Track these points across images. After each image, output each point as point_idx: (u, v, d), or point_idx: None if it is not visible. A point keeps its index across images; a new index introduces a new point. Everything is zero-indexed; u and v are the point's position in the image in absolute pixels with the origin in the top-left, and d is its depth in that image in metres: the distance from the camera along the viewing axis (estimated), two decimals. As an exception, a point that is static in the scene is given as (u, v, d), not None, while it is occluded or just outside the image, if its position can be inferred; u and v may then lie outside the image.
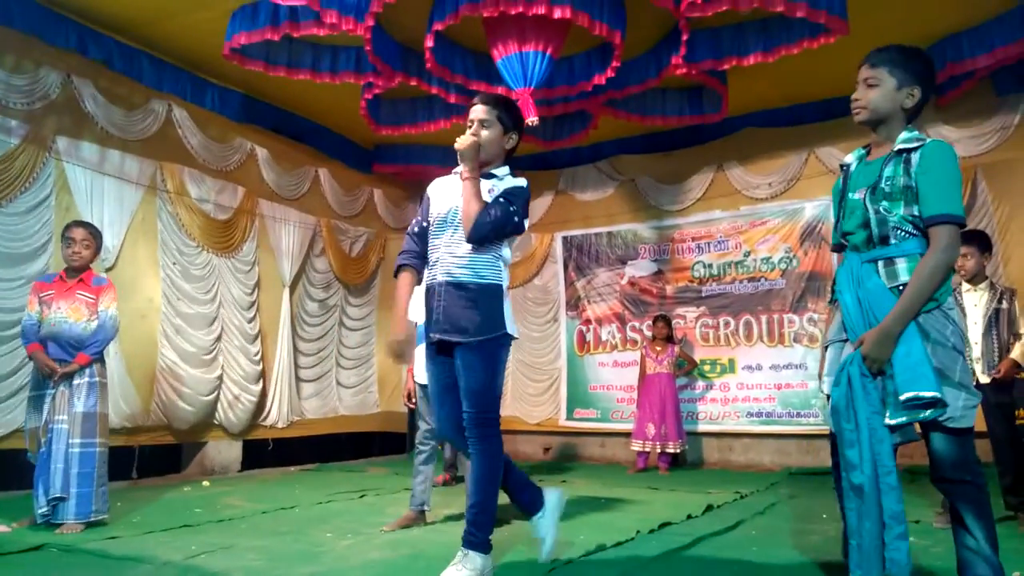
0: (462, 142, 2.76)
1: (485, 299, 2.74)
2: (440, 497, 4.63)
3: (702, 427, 7.36)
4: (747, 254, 7.38)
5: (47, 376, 3.86)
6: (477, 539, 2.66)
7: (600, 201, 8.20)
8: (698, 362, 7.40)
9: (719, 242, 7.54)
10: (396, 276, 2.94)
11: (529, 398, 8.29)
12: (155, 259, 6.12)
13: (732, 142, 7.41)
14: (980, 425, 2.37)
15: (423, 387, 4.15)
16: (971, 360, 3.86)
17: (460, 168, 2.79)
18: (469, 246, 2.75)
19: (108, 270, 5.56)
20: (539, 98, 5.41)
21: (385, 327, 8.48)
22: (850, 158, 2.41)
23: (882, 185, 2.20)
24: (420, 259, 2.93)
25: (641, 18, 5.25)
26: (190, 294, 6.32)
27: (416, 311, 4.08)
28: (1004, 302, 3.91)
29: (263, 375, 6.99)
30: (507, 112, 2.88)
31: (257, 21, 5.16)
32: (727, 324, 7.39)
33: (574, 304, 8.27)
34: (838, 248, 2.45)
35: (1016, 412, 3.94)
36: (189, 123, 6.33)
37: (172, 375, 6.10)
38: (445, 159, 2.65)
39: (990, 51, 5.39)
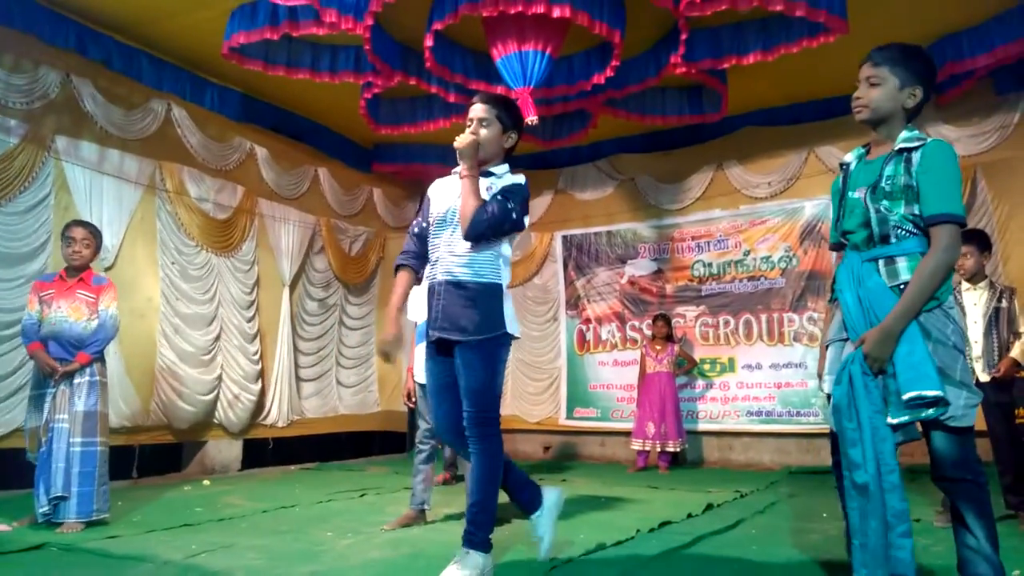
0: (461, 140, 2.76)
1: (484, 298, 2.74)
2: (440, 496, 4.63)
3: (702, 426, 7.36)
4: (747, 253, 7.38)
5: (48, 375, 3.86)
6: (477, 538, 2.66)
7: (600, 200, 8.20)
8: (698, 361, 7.40)
9: (719, 241, 7.55)
10: (395, 276, 2.97)
11: (529, 397, 8.29)
12: (154, 258, 6.12)
13: (732, 141, 7.41)
14: (980, 424, 2.37)
15: (423, 386, 4.15)
16: (971, 359, 3.86)
17: (460, 167, 2.79)
18: (468, 245, 2.75)
19: (107, 269, 5.56)
20: (538, 97, 5.41)
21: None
22: (850, 157, 2.41)
23: (882, 184, 2.20)
24: (419, 259, 2.94)
25: (640, 17, 5.25)
26: (189, 294, 6.32)
27: (416, 310, 4.09)
28: (1004, 301, 3.91)
29: (263, 374, 6.99)
30: (506, 111, 2.88)
31: (256, 20, 5.16)
32: (727, 323, 7.40)
33: (574, 303, 8.28)
34: (837, 247, 2.45)
35: (1016, 411, 3.95)
36: (188, 122, 6.33)
37: (171, 375, 6.10)
38: (445, 158, 2.66)
39: (990, 50, 5.39)
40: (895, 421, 2.08)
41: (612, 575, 2.86)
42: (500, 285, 2.79)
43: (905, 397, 2.04)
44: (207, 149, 6.52)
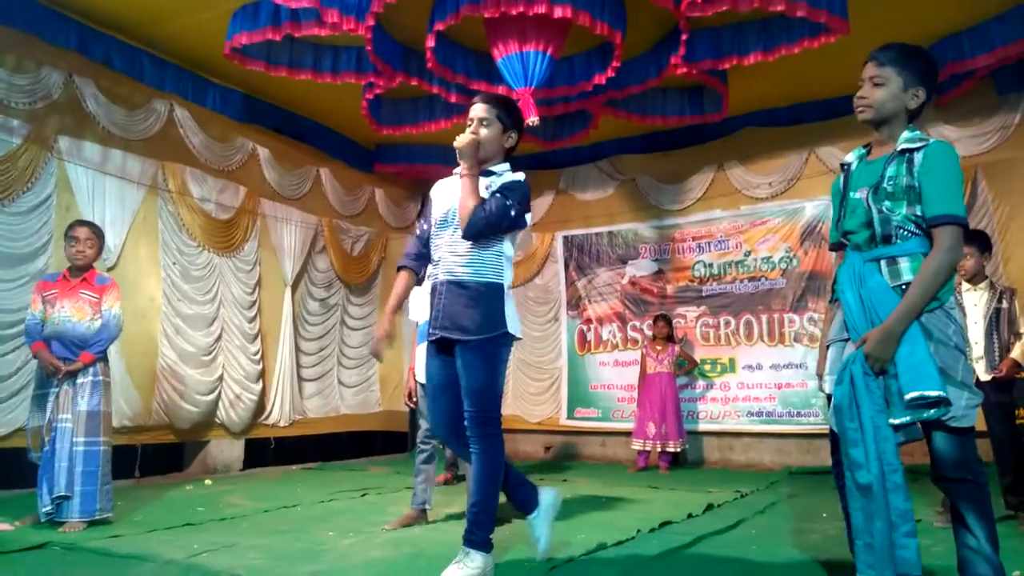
0: (461, 140, 2.77)
1: (485, 297, 2.74)
2: (441, 496, 4.64)
3: (702, 426, 7.36)
4: (747, 254, 7.39)
5: (51, 374, 3.87)
6: (478, 538, 2.66)
7: (601, 201, 8.21)
8: (698, 361, 7.41)
9: (719, 242, 7.55)
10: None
11: (530, 397, 8.30)
12: (156, 259, 6.13)
13: (732, 142, 7.42)
14: (980, 425, 2.38)
15: (424, 386, 4.16)
16: (971, 360, 3.87)
17: (460, 167, 2.81)
18: (469, 244, 2.76)
19: (109, 269, 5.58)
20: (540, 98, 5.41)
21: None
22: (851, 157, 2.42)
23: (884, 185, 2.21)
24: (419, 260, 2.97)
25: (641, 18, 5.25)
26: (191, 294, 6.34)
27: (417, 310, 4.10)
28: (1004, 301, 3.92)
29: (264, 374, 7.00)
30: (506, 111, 2.90)
31: (258, 21, 5.17)
32: (727, 323, 7.40)
33: (575, 303, 8.28)
34: (837, 247, 2.46)
35: (1016, 412, 3.95)
36: (191, 123, 6.34)
37: (173, 374, 6.11)
38: (446, 159, 2.67)
39: (990, 50, 5.39)
40: (897, 421, 2.08)
41: (612, 575, 2.86)
42: (501, 285, 2.79)
43: (907, 397, 2.05)
44: (209, 149, 6.53)
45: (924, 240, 2.18)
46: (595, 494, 5.05)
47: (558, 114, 6.67)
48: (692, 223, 7.71)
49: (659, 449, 6.68)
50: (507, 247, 2.84)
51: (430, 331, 2.83)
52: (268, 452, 7.10)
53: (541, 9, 4.66)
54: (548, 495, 2.92)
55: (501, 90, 5.42)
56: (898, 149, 2.23)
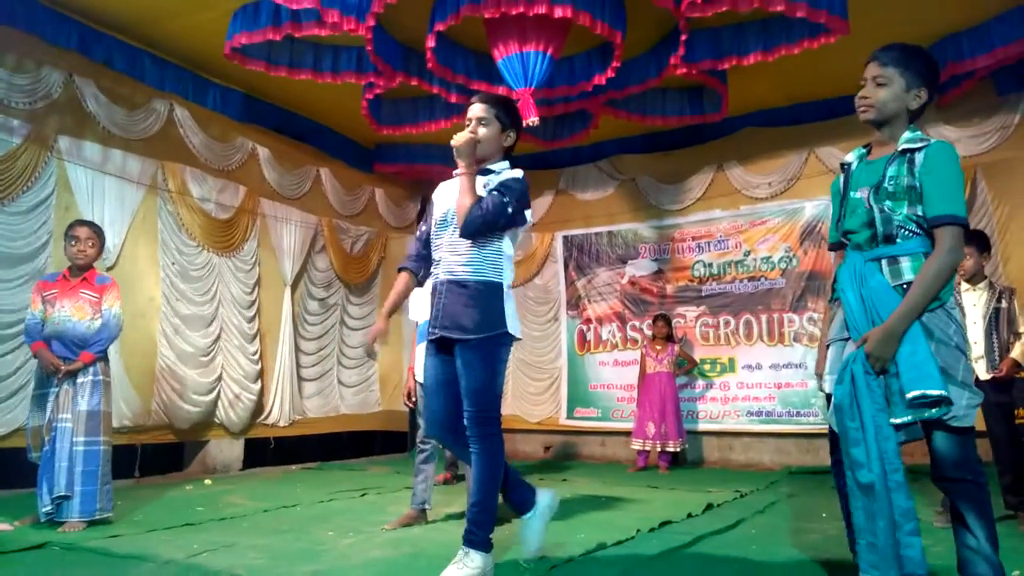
0: (458, 139, 2.78)
1: (485, 296, 2.75)
2: (441, 496, 4.64)
3: (702, 426, 7.37)
4: (747, 253, 7.39)
5: (51, 373, 3.87)
6: (478, 538, 2.66)
7: (600, 200, 8.21)
8: (698, 361, 7.41)
9: (719, 241, 7.55)
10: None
11: (530, 397, 8.30)
12: (155, 259, 6.13)
13: (732, 142, 7.42)
14: (979, 424, 2.38)
15: (423, 385, 4.16)
16: (971, 359, 3.87)
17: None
18: (468, 243, 2.76)
19: (109, 269, 5.57)
20: (540, 98, 5.42)
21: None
22: (851, 157, 2.42)
23: (885, 184, 2.21)
24: (420, 262, 2.99)
25: (641, 18, 5.25)
26: (190, 294, 6.33)
27: (417, 310, 4.10)
28: (1003, 301, 3.92)
29: (264, 374, 7.00)
30: (505, 110, 2.90)
31: (259, 21, 5.17)
32: (727, 323, 7.40)
33: (575, 303, 8.29)
34: (836, 246, 2.46)
35: (1016, 411, 3.96)
36: (191, 123, 6.34)
37: (172, 374, 6.11)
38: (446, 159, 2.68)
39: (990, 51, 5.39)
40: (898, 421, 2.08)
41: (612, 575, 2.86)
42: (501, 284, 2.79)
43: (909, 396, 2.05)
44: (209, 149, 6.53)
45: (925, 240, 2.18)
46: (595, 494, 5.05)
47: (558, 114, 6.68)
48: (692, 223, 7.71)
49: (659, 449, 6.68)
50: (507, 246, 2.84)
51: (430, 330, 2.83)
52: (268, 452, 7.10)
53: (541, 9, 4.67)
54: (545, 497, 2.92)
55: (501, 90, 5.42)
56: (899, 149, 2.24)
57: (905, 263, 2.19)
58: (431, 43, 5.12)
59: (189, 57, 6.16)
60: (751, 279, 7.35)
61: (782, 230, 7.24)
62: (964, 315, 3.93)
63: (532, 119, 5.03)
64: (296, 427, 7.31)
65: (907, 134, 2.26)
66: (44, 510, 3.78)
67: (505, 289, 2.81)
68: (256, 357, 6.90)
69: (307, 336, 7.62)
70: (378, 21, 5.04)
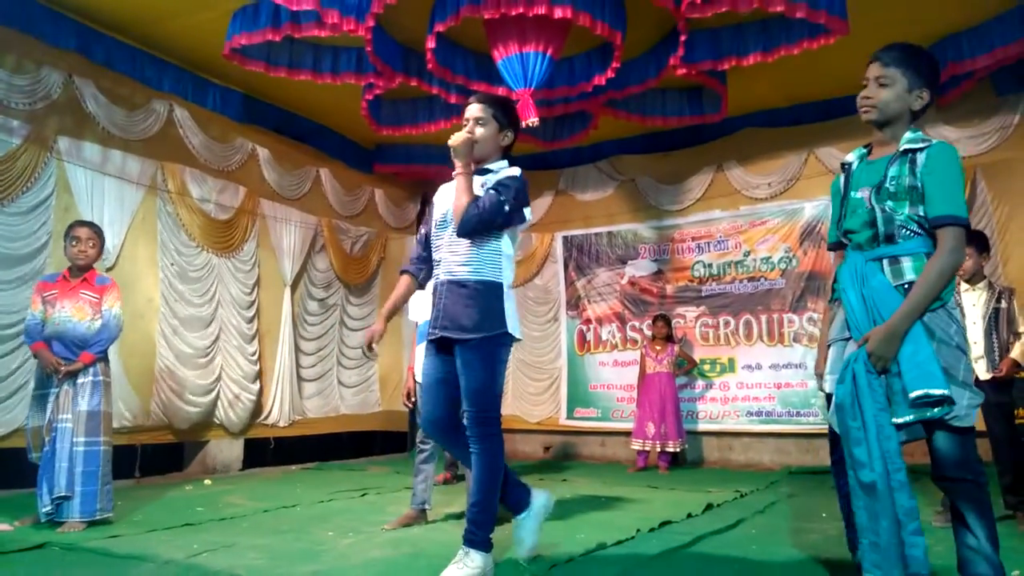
0: (455, 139, 2.79)
1: (484, 296, 2.75)
2: (441, 496, 4.64)
3: (702, 426, 7.37)
4: (747, 254, 7.39)
5: (51, 374, 3.87)
6: (478, 538, 2.67)
7: (600, 201, 8.22)
8: (698, 361, 7.41)
9: (719, 242, 7.56)
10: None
11: (529, 397, 8.30)
12: (155, 259, 6.13)
13: (732, 142, 7.42)
14: (979, 424, 2.38)
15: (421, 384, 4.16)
16: (971, 359, 3.87)
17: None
18: (468, 243, 2.77)
19: (108, 270, 5.57)
20: (539, 99, 5.42)
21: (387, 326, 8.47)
22: (851, 157, 2.42)
23: (887, 185, 2.21)
24: (421, 264, 3.00)
25: (641, 18, 5.26)
26: (189, 294, 6.33)
27: (417, 310, 4.10)
28: (1003, 301, 3.93)
29: (263, 374, 7.00)
30: (502, 110, 2.91)
31: (258, 22, 5.17)
32: (727, 324, 7.41)
33: (574, 304, 8.29)
34: (836, 246, 2.46)
35: (1015, 411, 3.96)
36: (190, 123, 6.34)
37: (171, 375, 6.11)
38: (446, 159, 2.68)
39: (990, 51, 5.40)
40: (900, 420, 2.08)
41: (612, 574, 2.87)
42: (500, 284, 2.79)
43: (912, 395, 2.05)
44: (209, 150, 6.53)
45: (926, 240, 2.19)
46: (594, 494, 5.06)
47: (558, 115, 6.68)
48: (691, 223, 7.72)
49: (658, 449, 6.68)
50: (506, 245, 2.83)
51: (430, 331, 2.83)
52: (267, 452, 7.10)
53: (541, 10, 4.67)
54: (540, 497, 2.91)
55: (501, 91, 5.42)
56: (901, 149, 2.24)
57: (906, 263, 2.19)
58: (431, 44, 5.11)
59: (189, 58, 6.16)
60: (751, 279, 7.35)
61: (782, 230, 7.24)
62: (964, 315, 3.93)
63: (532, 120, 5.03)
64: (296, 427, 7.31)
65: (908, 134, 2.26)
66: (44, 510, 3.78)
67: (505, 289, 2.81)
68: (255, 357, 6.90)
69: (307, 336, 7.63)
70: (377, 22, 5.04)
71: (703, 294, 7.57)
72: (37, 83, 5.29)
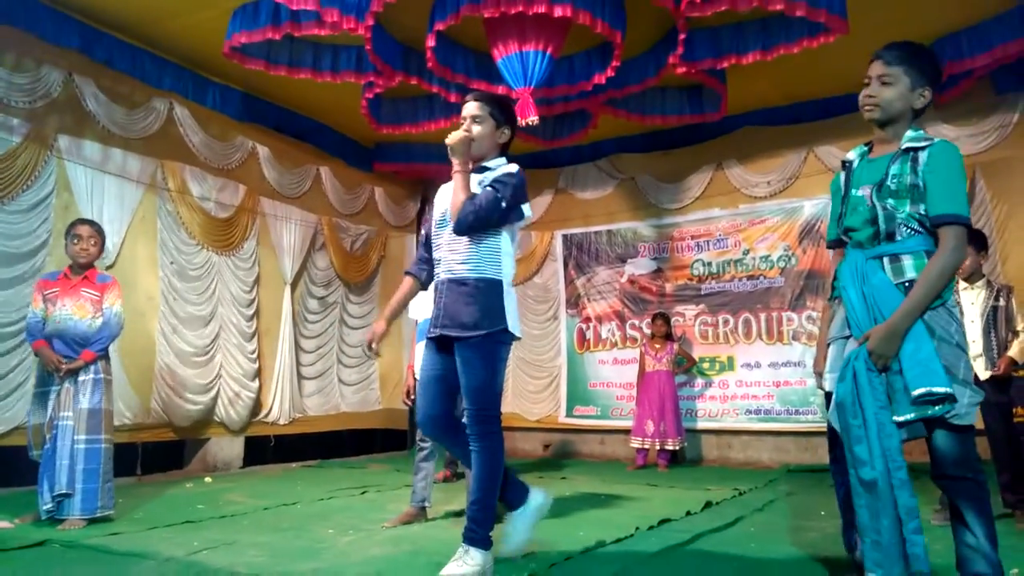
0: (452, 137, 2.80)
1: (484, 293, 2.75)
2: (441, 493, 4.65)
3: (701, 424, 7.38)
4: (746, 252, 7.40)
5: (53, 371, 3.88)
6: (478, 535, 2.67)
7: (600, 199, 8.22)
8: (697, 360, 7.42)
9: (718, 240, 7.56)
10: None
11: (529, 395, 8.31)
12: (155, 257, 6.13)
13: (731, 141, 7.42)
14: (978, 423, 2.39)
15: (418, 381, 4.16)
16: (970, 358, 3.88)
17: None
18: (467, 241, 2.77)
19: (108, 268, 5.57)
20: (539, 97, 5.42)
21: (386, 325, 8.49)
22: (852, 155, 2.43)
23: (888, 182, 2.22)
24: (424, 265, 3.01)
25: (641, 17, 5.26)
26: (189, 292, 6.34)
27: (417, 308, 4.11)
28: (1001, 299, 3.94)
29: (264, 372, 7.00)
30: (499, 107, 2.91)
31: (258, 20, 5.17)
32: (726, 322, 7.41)
33: (574, 302, 8.29)
34: (835, 244, 2.47)
35: (1014, 410, 3.97)
36: (191, 121, 6.34)
37: (171, 373, 6.11)
38: (446, 158, 2.70)
39: (989, 50, 5.40)
40: (901, 419, 2.09)
41: (611, 572, 2.87)
42: (500, 281, 2.79)
43: (915, 393, 2.05)
44: (209, 148, 6.54)
45: (927, 238, 2.19)
46: (594, 492, 5.07)
47: (558, 113, 6.68)
48: (691, 222, 7.72)
49: (658, 447, 6.69)
50: (505, 242, 2.84)
51: (431, 329, 2.84)
52: (268, 450, 7.11)
53: (541, 8, 4.67)
54: (538, 497, 2.91)
55: (501, 90, 5.42)
56: (903, 147, 2.24)
57: (907, 261, 2.20)
58: (431, 42, 5.12)
59: (189, 56, 6.16)
60: (750, 278, 7.35)
61: (781, 229, 7.25)
62: (962, 314, 3.93)
63: (532, 118, 5.04)
64: (296, 425, 7.32)
65: (910, 133, 2.26)
66: (45, 508, 3.79)
67: (505, 286, 2.81)
68: (255, 356, 6.91)
69: (307, 334, 7.63)
70: (377, 20, 5.04)
71: (702, 292, 7.58)
72: (37, 81, 5.29)
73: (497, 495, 2.76)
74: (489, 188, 2.75)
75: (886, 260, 2.22)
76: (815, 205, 7.05)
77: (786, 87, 6.71)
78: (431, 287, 2.98)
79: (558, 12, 4.69)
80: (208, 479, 5.89)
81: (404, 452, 8.34)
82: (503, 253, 2.82)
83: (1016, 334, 3.88)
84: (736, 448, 7.28)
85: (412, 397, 4.41)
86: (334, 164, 7.87)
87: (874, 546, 2.09)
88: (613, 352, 7.99)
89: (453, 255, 2.81)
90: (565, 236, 8.39)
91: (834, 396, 2.24)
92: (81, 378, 3.89)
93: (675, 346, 7.02)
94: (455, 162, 2.80)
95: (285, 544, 3.39)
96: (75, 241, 3.99)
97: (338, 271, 7.97)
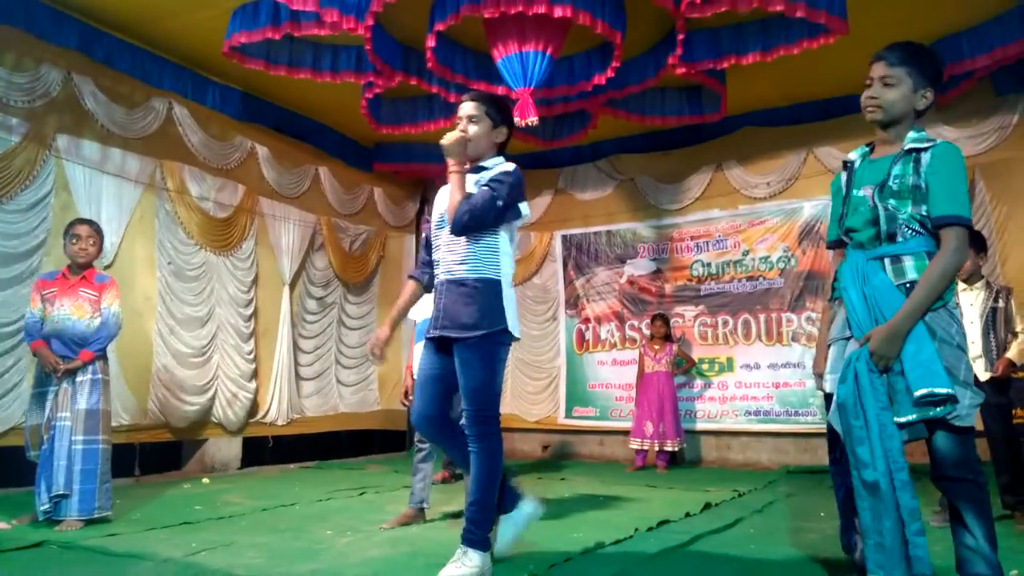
0: (448, 138, 2.80)
1: (483, 293, 2.74)
2: (439, 495, 4.64)
3: (700, 425, 7.37)
4: (745, 253, 7.39)
5: (51, 372, 3.87)
6: (476, 537, 2.67)
7: (599, 200, 8.21)
8: (696, 361, 7.41)
9: (718, 241, 7.56)
10: None
11: (528, 396, 8.30)
12: (152, 257, 6.12)
13: (731, 141, 7.42)
14: (977, 424, 2.38)
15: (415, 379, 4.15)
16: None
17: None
18: (464, 241, 2.77)
19: (106, 268, 5.56)
20: (539, 98, 5.41)
21: (385, 325, 8.48)
22: (853, 155, 2.43)
23: (890, 183, 2.22)
24: (426, 268, 3.01)
25: (641, 18, 5.25)
26: (187, 292, 6.32)
27: (415, 309, 4.10)
28: (1000, 300, 3.93)
29: (262, 373, 6.99)
30: (495, 107, 2.91)
31: (258, 20, 5.16)
32: (725, 323, 7.41)
33: (573, 303, 8.29)
34: (836, 244, 2.46)
35: (1013, 411, 3.96)
36: (190, 121, 6.33)
37: (168, 373, 6.10)
38: (445, 158, 2.73)
39: (989, 51, 5.40)
40: (903, 420, 2.08)
41: (610, 573, 2.86)
42: (499, 281, 2.79)
43: (916, 394, 2.04)
44: (208, 148, 6.52)
45: (928, 239, 2.19)
46: (593, 493, 5.06)
47: (557, 114, 6.67)
48: (690, 223, 7.72)
49: (657, 448, 6.69)
50: (504, 241, 2.83)
51: (430, 330, 2.84)
52: (266, 451, 7.09)
53: (541, 9, 4.66)
54: (529, 505, 2.90)
55: (501, 90, 5.42)
56: (905, 148, 2.24)
57: (908, 262, 2.19)
58: (431, 43, 5.11)
59: (188, 56, 6.15)
60: (749, 279, 7.35)
61: (780, 230, 7.24)
62: (961, 315, 3.93)
63: (531, 119, 5.03)
64: (294, 426, 7.31)
65: (912, 134, 2.26)
66: (42, 508, 3.78)
67: (504, 286, 2.80)
68: (252, 356, 6.89)
69: (305, 335, 7.62)
70: (377, 20, 5.04)
71: (702, 293, 7.58)
72: (36, 81, 5.28)
73: (496, 497, 2.76)
74: (485, 187, 2.74)
75: (887, 261, 2.22)
76: (815, 206, 7.05)
77: (786, 88, 6.70)
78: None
79: (558, 12, 4.69)
80: (206, 480, 5.88)
81: (403, 453, 8.33)
82: (501, 253, 2.82)
83: (1015, 335, 3.88)
84: (735, 449, 7.27)
85: (410, 398, 4.40)
86: (333, 164, 7.87)
87: (877, 548, 2.08)
88: (612, 353, 7.98)
89: (451, 256, 2.80)
90: (564, 237, 8.38)
91: (835, 397, 2.23)
92: (79, 378, 3.88)
93: (674, 347, 7.01)
94: (450, 163, 2.80)
95: (283, 545, 3.38)
96: (74, 241, 3.98)
97: (337, 271, 7.96)
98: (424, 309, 3.36)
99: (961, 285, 4.00)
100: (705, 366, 7.45)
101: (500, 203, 2.72)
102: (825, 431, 2.48)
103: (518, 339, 2.86)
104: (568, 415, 8.09)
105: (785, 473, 6.28)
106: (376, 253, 8.51)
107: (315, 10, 4.82)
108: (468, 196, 2.73)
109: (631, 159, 7.97)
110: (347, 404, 8.03)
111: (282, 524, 3.93)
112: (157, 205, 6.16)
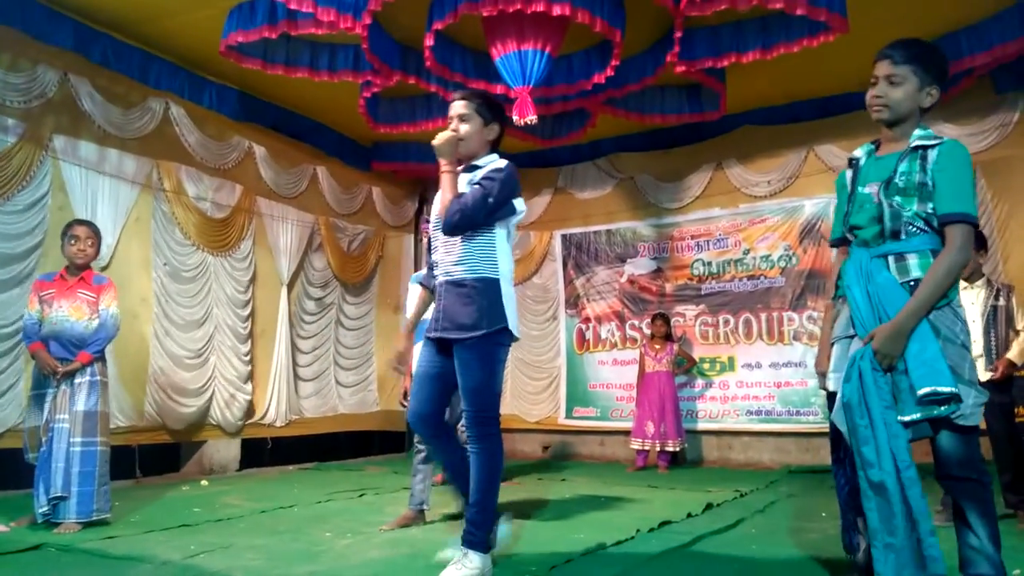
0: (439, 138, 2.78)
1: (483, 293, 2.73)
2: (439, 496, 4.61)
3: (701, 425, 7.36)
4: (746, 252, 7.38)
5: (49, 375, 3.85)
6: (476, 538, 2.65)
7: (599, 199, 8.20)
8: (697, 360, 7.40)
9: (718, 240, 7.54)
10: None
11: (528, 396, 8.29)
12: (149, 258, 6.09)
13: (731, 140, 7.41)
14: (980, 423, 2.37)
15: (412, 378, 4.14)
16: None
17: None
18: (460, 241, 2.76)
19: (103, 269, 5.53)
20: (538, 96, 5.40)
21: (384, 326, 8.47)
22: (859, 152, 2.41)
23: (896, 180, 2.20)
24: (432, 273, 2.98)
25: (640, 16, 5.24)
26: (184, 293, 6.30)
27: (412, 308, 4.08)
28: (1001, 299, 3.92)
29: (260, 374, 6.97)
30: (486, 104, 2.89)
31: (255, 19, 5.14)
32: (726, 322, 7.39)
33: (573, 302, 8.27)
34: (839, 242, 2.45)
35: (1016, 410, 3.95)
36: (187, 121, 6.31)
37: (165, 375, 6.08)
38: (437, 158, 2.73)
39: (989, 49, 5.39)
40: (907, 418, 2.07)
41: (612, 574, 2.85)
42: (497, 279, 2.77)
43: (920, 393, 2.03)
44: (205, 148, 6.50)
45: (933, 237, 2.18)
46: (594, 493, 5.05)
47: (556, 112, 6.66)
48: (691, 221, 7.70)
49: (658, 448, 6.67)
50: (500, 239, 2.81)
51: (430, 330, 2.82)
52: (265, 452, 7.07)
53: (539, 7, 4.64)
54: (502, 529, 2.85)
55: (500, 89, 5.40)
56: (912, 146, 2.23)
57: (912, 260, 2.18)
58: (430, 42, 5.09)
59: (185, 55, 6.13)
60: (750, 278, 7.33)
61: (781, 228, 7.23)
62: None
63: (530, 117, 5.01)
64: (293, 427, 7.29)
65: (918, 131, 2.25)
66: (40, 511, 3.77)
67: (503, 284, 2.78)
68: (248, 358, 6.87)
69: (304, 335, 7.60)
70: (375, 19, 5.02)
71: (702, 292, 7.56)
72: (33, 81, 5.26)
73: (496, 497, 2.74)
74: (477, 186, 2.73)
75: (891, 259, 2.21)
76: (816, 204, 7.03)
77: (786, 86, 6.69)
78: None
79: (557, 11, 4.67)
80: (204, 482, 5.85)
81: (402, 454, 8.31)
82: (499, 251, 2.79)
83: (1017, 333, 3.86)
84: (737, 449, 7.26)
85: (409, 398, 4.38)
86: (331, 164, 7.85)
87: (887, 549, 2.05)
88: (613, 353, 7.97)
89: (449, 256, 2.79)
90: (564, 236, 8.37)
91: (839, 396, 2.22)
92: (77, 380, 3.87)
93: (675, 347, 7.00)
94: (442, 163, 2.78)
95: (282, 547, 3.36)
96: (72, 242, 3.96)
97: (335, 271, 7.94)
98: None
99: (962, 283, 3.98)
100: (706, 365, 7.43)
101: (491, 200, 2.70)
102: (827, 430, 2.45)
103: (517, 339, 2.84)
104: (568, 415, 8.08)
105: (787, 473, 6.26)
106: (375, 253, 8.49)
107: (312, 10, 4.80)
108: (459, 195, 2.71)
109: (631, 158, 7.95)
110: (346, 405, 8.01)
111: (281, 526, 3.91)
112: (154, 206, 6.13)
